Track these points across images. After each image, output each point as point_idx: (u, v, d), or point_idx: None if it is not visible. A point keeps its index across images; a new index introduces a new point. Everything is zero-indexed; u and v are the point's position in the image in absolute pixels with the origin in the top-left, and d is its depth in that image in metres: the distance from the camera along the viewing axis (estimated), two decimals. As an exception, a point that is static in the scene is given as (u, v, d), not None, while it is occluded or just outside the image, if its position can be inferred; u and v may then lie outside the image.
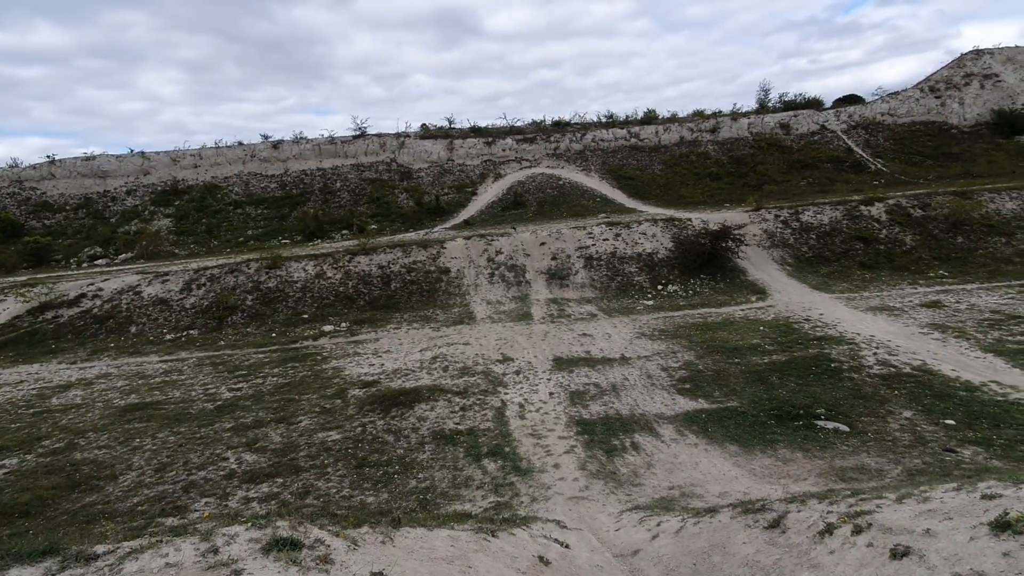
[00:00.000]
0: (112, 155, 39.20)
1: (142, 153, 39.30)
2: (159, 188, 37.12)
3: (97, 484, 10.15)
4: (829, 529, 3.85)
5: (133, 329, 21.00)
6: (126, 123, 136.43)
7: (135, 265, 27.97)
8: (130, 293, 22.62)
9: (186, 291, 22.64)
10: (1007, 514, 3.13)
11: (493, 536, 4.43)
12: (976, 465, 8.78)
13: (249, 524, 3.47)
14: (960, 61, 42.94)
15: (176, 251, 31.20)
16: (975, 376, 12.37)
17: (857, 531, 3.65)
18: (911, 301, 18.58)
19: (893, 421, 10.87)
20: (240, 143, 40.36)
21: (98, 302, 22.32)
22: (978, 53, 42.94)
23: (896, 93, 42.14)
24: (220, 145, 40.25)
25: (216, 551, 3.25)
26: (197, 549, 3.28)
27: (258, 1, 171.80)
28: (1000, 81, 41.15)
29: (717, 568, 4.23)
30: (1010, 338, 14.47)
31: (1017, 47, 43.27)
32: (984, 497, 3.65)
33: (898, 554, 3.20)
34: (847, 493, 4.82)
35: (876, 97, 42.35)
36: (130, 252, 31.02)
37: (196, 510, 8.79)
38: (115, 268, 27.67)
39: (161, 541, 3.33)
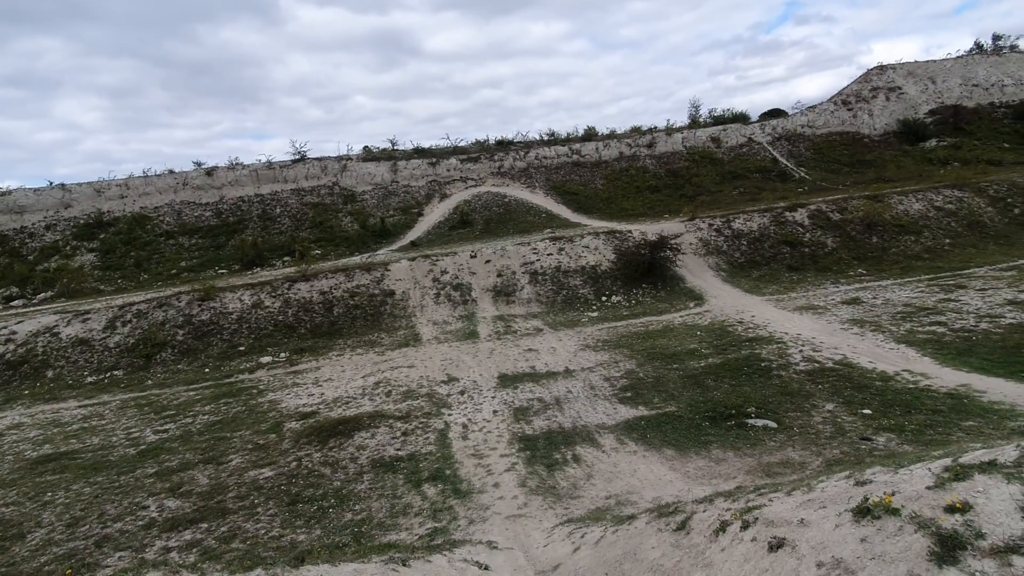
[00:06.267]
0: (29, 188, 36.66)
1: (62, 185, 36.94)
2: (82, 221, 34.97)
3: (2, 545, 9.31)
4: (723, 527, 3.97)
5: (50, 373, 19.52)
6: (44, 154, 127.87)
7: (54, 305, 26.10)
8: (46, 335, 21.07)
9: (109, 329, 21.29)
10: (867, 500, 3.30)
11: (404, 566, 4.32)
12: (887, 451, 9.31)
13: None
14: (867, 76, 46.53)
15: (101, 287, 29.35)
16: (890, 366, 13.19)
17: (745, 526, 3.78)
18: (833, 299, 19.71)
19: (816, 414, 11.41)
20: (171, 171, 38.58)
21: (11, 346, 20.65)
22: (882, 68, 46.68)
23: (814, 106, 45.11)
24: (149, 174, 38.35)
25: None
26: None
27: (182, 23, 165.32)
28: (903, 93, 44.81)
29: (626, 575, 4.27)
30: (920, 329, 15.55)
31: (916, 62, 47.32)
32: (858, 484, 3.84)
33: (774, 546, 3.33)
34: (750, 489, 4.99)
35: (796, 111, 45.19)
36: (50, 291, 28.93)
37: (108, 566, 8.16)
38: (32, 309, 25.73)
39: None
